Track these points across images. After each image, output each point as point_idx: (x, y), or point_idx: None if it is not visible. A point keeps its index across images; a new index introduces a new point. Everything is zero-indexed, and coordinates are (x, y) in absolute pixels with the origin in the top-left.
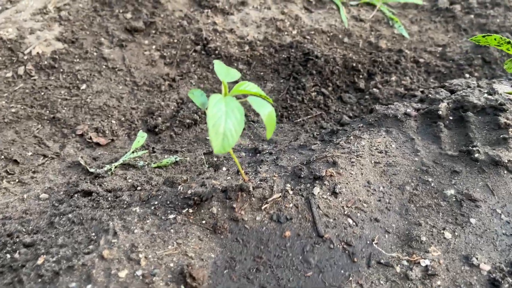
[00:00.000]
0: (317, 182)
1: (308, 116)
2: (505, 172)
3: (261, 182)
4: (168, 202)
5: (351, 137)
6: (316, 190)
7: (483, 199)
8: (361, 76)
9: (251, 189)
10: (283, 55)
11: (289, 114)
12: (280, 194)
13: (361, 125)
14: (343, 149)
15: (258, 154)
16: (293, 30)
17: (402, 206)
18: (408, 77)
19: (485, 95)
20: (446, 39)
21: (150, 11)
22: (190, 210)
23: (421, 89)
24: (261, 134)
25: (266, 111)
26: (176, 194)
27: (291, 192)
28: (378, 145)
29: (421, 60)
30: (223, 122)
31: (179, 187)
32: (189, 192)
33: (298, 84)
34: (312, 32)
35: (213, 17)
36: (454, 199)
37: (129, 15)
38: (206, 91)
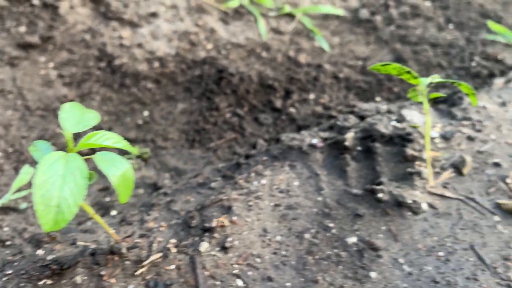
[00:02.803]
0: (206, 234)
1: (222, 140)
2: (409, 213)
3: (140, 239)
4: (24, 272)
5: (252, 174)
6: (204, 245)
7: (385, 247)
8: (277, 95)
9: (124, 250)
10: (196, 73)
11: (201, 138)
12: (161, 254)
13: (265, 158)
14: (242, 189)
15: (155, 192)
16: (208, 44)
17: (300, 259)
18: (326, 94)
19: (393, 122)
20: (367, 51)
21: (48, 24)
22: (49, 282)
23: (333, 113)
24: (169, 163)
25: (118, 171)
26: (34, 260)
27: (174, 250)
28: (279, 184)
29: (341, 75)
30: (57, 190)
31: (40, 250)
32: (49, 258)
33: (211, 105)
34: (229, 46)
35: (120, 30)
36: (356, 248)
37: (23, 29)
38: (110, 114)
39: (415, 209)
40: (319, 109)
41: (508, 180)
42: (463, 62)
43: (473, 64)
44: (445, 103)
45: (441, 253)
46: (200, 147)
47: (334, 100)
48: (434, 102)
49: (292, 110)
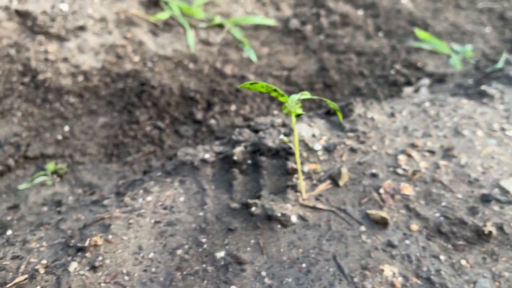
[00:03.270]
0: (79, 254)
1: (140, 154)
2: (279, 226)
3: (10, 261)
4: None
5: (140, 191)
6: (73, 265)
7: (251, 260)
8: (199, 107)
9: None
10: (120, 86)
11: (119, 152)
12: (27, 275)
13: (159, 173)
14: (126, 207)
15: (57, 207)
16: (135, 56)
17: (168, 276)
18: (248, 106)
19: (282, 136)
20: (295, 61)
21: None
22: None
23: (252, 123)
24: (84, 178)
25: None
26: None
27: (43, 271)
28: (165, 200)
29: None
30: None
31: None
32: None
33: (131, 118)
34: (155, 59)
35: (46, 44)
36: (223, 263)
37: None
38: (30, 130)
39: (284, 222)
40: (239, 120)
41: (381, 190)
42: (384, 70)
43: (392, 72)
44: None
45: (303, 265)
46: (117, 161)
47: (255, 111)
48: (328, 113)
49: (212, 121)
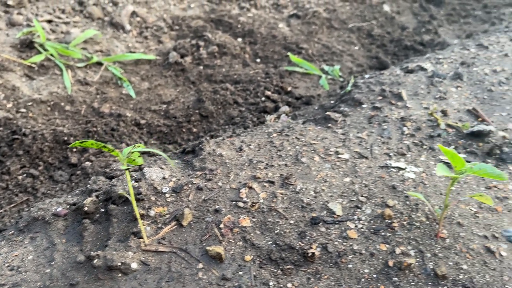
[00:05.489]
0: None
1: (12, 205)
2: (120, 275)
3: None
4: None
5: None
6: None
7: None
8: (74, 150)
9: None
10: None
11: None
12: None
13: (12, 232)
14: None
15: None
16: (8, 103)
17: None
18: (124, 143)
19: (132, 182)
20: (175, 93)
21: None
22: None
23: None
24: None
25: None
26: None
27: None
28: (12, 261)
29: (143, 121)
30: None
31: None
32: None
33: (2, 169)
34: (30, 103)
35: None
36: None
37: None
38: None
39: (124, 270)
40: (114, 159)
41: (221, 225)
42: (256, 97)
43: (263, 98)
44: (193, 153)
45: None
46: None
47: None
48: (184, 153)
49: (87, 164)
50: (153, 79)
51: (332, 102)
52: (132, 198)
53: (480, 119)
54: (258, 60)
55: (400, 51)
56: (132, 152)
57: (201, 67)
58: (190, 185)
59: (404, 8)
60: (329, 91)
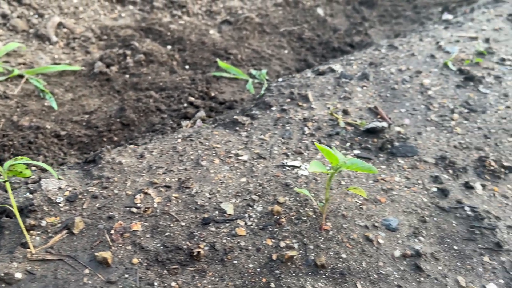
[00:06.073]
0: None
1: None
2: (4, 285)
3: None
4: None
5: None
6: None
7: None
8: None
9: None
10: None
11: None
12: None
13: None
14: None
15: None
16: None
17: None
18: (42, 155)
19: (27, 194)
20: (98, 104)
21: None
22: None
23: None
24: None
25: None
26: None
27: None
28: None
29: (63, 133)
30: None
31: None
32: None
33: None
34: None
35: None
36: None
37: None
38: None
39: (8, 281)
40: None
41: (112, 231)
42: (180, 103)
43: (185, 105)
44: (94, 163)
45: None
46: None
47: (50, 159)
48: (86, 162)
49: None
50: (78, 90)
51: (251, 106)
52: (15, 209)
53: (379, 116)
54: (187, 67)
55: (329, 53)
56: (13, 165)
57: (127, 76)
58: (85, 194)
59: (337, 11)
60: (254, 95)
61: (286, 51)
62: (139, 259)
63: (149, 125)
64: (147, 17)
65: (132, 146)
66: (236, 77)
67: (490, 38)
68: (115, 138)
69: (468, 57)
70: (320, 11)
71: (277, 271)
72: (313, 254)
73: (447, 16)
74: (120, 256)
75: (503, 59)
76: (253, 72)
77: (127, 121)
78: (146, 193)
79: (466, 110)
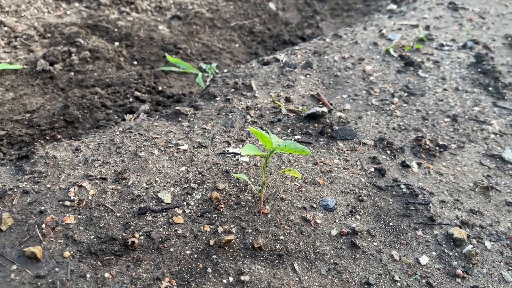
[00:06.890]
0: None
1: None
2: None
3: None
4: None
5: None
6: None
7: None
8: None
9: None
10: None
11: None
12: None
13: None
14: None
15: None
16: None
17: None
18: None
19: None
20: (41, 102)
21: None
22: None
23: None
24: None
25: None
26: None
27: None
28: None
29: (3, 132)
30: None
31: None
32: None
33: None
34: None
35: None
36: None
37: None
38: None
39: None
40: None
41: (43, 226)
42: (126, 98)
43: (131, 99)
44: (27, 158)
45: None
46: None
47: None
48: (19, 158)
49: None
50: (19, 89)
51: (197, 98)
52: None
53: (321, 102)
54: (135, 62)
55: (279, 46)
56: None
57: (72, 73)
58: (15, 190)
59: (289, 4)
60: (202, 89)
61: (237, 45)
62: (71, 252)
63: (94, 121)
64: (94, 14)
65: (68, 140)
66: (186, 71)
67: (431, 26)
68: (59, 136)
69: (409, 44)
70: (272, 5)
71: (214, 256)
72: (251, 238)
73: (391, 6)
74: (51, 250)
75: (442, 45)
76: (203, 66)
77: (71, 118)
78: (80, 186)
79: (405, 94)
